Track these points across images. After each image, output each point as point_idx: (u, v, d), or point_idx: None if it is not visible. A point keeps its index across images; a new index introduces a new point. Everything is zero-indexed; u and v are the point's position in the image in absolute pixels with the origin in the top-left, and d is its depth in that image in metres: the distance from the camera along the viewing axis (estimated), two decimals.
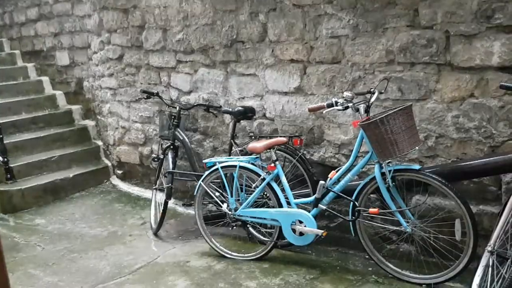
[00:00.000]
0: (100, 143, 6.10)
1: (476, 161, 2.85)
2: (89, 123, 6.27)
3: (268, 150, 3.41)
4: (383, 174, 2.93)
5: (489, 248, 2.37)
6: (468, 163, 2.89)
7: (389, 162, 2.92)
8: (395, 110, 2.81)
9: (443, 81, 3.00)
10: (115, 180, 5.75)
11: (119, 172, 5.71)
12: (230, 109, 4.08)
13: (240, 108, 4.00)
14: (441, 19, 2.91)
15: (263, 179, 3.38)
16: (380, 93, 3.11)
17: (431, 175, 2.83)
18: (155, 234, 4.17)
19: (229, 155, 4.03)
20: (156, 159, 4.42)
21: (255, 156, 3.52)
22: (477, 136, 2.92)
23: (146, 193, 5.17)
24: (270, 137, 3.62)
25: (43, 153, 5.62)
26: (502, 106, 2.80)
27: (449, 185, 2.77)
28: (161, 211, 4.12)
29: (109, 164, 5.89)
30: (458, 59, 2.91)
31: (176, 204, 4.73)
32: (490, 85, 2.82)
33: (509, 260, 2.25)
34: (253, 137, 3.85)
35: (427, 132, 3.12)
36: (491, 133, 2.86)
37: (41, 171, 5.44)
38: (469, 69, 2.88)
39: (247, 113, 3.99)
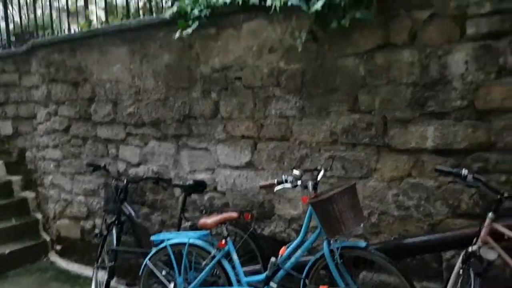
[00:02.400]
0: (39, 216, 5.78)
1: (417, 239, 3.00)
2: (29, 194, 5.97)
3: (219, 225, 3.39)
4: (331, 251, 2.99)
5: None
6: (409, 240, 3.03)
7: (336, 238, 3.00)
8: (341, 189, 2.94)
9: (383, 161, 3.21)
10: (53, 256, 5.40)
11: (58, 247, 5.39)
12: (181, 183, 4.07)
13: (190, 182, 4.01)
14: (379, 105, 3.17)
15: (213, 257, 3.32)
16: (326, 170, 3.26)
17: (376, 252, 2.92)
18: None
19: (179, 230, 3.96)
20: (99, 235, 4.24)
21: (206, 232, 3.48)
22: (416, 214, 3.10)
23: (87, 271, 4.87)
24: (221, 212, 3.62)
25: None
26: (438, 186, 3.02)
27: (393, 262, 2.86)
28: None
29: (48, 239, 5.55)
30: (395, 142, 3.14)
31: (119, 283, 4.48)
32: (426, 166, 3.04)
33: None
34: (204, 212, 3.82)
35: (371, 209, 3.26)
36: (430, 212, 3.05)
37: None
38: (406, 151, 3.11)
39: (198, 187, 4.00)
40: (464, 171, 2.56)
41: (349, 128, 3.30)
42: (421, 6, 2.90)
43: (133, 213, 4.19)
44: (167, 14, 3.92)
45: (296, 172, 3.14)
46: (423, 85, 2.98)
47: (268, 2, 3.31)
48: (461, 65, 2.83)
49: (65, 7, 5.75)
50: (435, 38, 2.89)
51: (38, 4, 6.46)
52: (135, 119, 4.50)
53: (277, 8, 3.24)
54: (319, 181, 3.15)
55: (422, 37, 2.94)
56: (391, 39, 3.05)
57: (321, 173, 3.20)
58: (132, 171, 4.58)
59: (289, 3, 3.15)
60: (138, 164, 4.55)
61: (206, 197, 4.09)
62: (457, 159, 2.92)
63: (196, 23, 3.74)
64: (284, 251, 3.19)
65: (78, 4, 6.08)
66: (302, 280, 3.09)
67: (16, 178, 6.06)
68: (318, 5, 2.99)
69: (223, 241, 3.32)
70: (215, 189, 4.05)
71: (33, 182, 6.02)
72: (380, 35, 3.07)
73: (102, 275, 4.05)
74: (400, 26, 2.99)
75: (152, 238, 3.58)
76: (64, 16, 5.83)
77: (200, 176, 4.10)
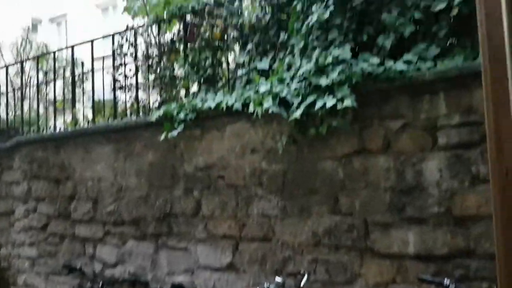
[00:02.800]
0: None
1: None
2: None
3: None
4: None
5: None
6: None
7: None
8: None
9: (366, 265, 3.17)
10: None
11: None
12: None
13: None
14: (359, 208, 3.21)
15: None
16: (309, 275, 3.19)
17: None
18: None
19: None
20: None
21: None
22: None
23: None
24: None
25: None
26: None
27: None
28: None
29: None
30: (377, 246, 3.13)
31: None
32: (409, 272, 3.00)
33: None
34: None
35: None
36: None
37: None
38: (389, 256, 3.09)
39: None
40: (446, 281, 2.54)
41: (331, 230, 3.30)
42: (393, 117, 3.07)
43: None
44: (154, 117, 4.05)
45: (278, 279, 3.07)
46: (400, 190, 3.05)
47: (251, 108, 3.47)
48: (435, 173, 2.93)
49: (53, 103, 5.89)
50: (409, 146, 3.02)
51: (26, 99, 6.60)
52: (114, 217, 4.44)
53: (259, 114, 3.39)
54: (302, 287, 3.08)
55: (396, 145, 3.07)
56: (366, 146, 3.18)
57: (305, 278, 3.13)
58: (108, 272, 4.41)
59: (270, 110, 3.31)
60: (115, 265, 4.40)
61: None
62: (438, 265, 2.90)
63: (182, 126, 3.86)
64: None
65: (66, 98, 6.25)
66: None
67: None
68: (297, 114, 3.15)
69: None
70: None
71: (5, 281, 5.71)
72: (355, 142, 3.20)
73: None
74: (374, 134, 3.14)
75: None
76: (51, 111, 5.95)
77: (179, 279, 3.96)
